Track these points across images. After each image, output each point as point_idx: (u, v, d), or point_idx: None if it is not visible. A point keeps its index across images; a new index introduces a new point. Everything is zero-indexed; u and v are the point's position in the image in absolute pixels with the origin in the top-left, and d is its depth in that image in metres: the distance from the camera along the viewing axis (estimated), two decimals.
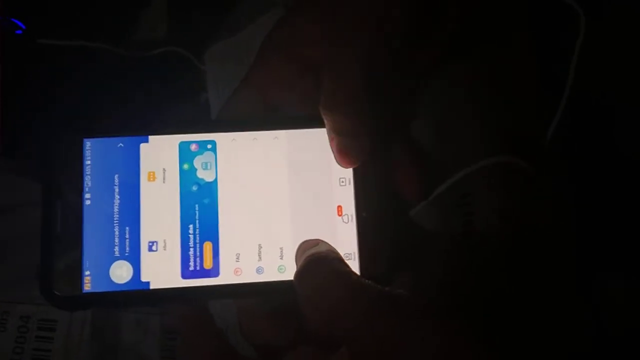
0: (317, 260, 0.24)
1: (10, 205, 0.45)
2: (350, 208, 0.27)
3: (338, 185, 0.27)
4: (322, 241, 0.26)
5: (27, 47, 0.54)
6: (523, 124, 0.35)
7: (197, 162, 0.27)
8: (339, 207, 0.27)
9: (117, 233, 0.26)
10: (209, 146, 0.27)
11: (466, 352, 0.21)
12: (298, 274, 0.24)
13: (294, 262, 0.26)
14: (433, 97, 0.32)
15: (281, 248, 0.26)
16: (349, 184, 0.27)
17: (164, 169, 0.26)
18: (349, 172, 0.27)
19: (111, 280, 0.25)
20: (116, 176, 0.26)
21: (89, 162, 0.26)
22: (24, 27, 0.51)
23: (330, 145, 0.26)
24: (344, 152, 0.26)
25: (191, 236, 0.26)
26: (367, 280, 0.23)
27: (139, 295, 0.25)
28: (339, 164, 0.27)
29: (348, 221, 0.27)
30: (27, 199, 0.46)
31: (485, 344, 0.22)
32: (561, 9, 0.36)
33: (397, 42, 0.25)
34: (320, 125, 0.27)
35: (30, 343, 0.39)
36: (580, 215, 0.35)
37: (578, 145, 0.40)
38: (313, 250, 0.25)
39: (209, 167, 0.27)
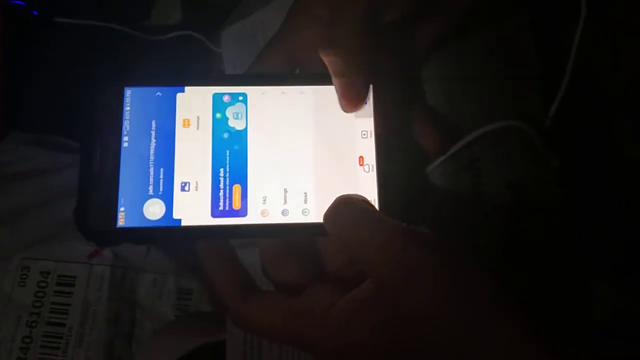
0: (345, 200, 0.26)
1: (27, 173, 0.47)
2: (371, 159, 0.28)
3: (360, 137, 0.29)
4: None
5: (44, 26, 0.56)
6: (527, 102, 0.37)
7: (229, 111, 0.28)
8: (361, 157, 0.28)
9: (151, 173, 0.27)
10: (240, 98, 0.28)
11: (482, 281, 0.23)
12: (328, 213, 0.26)
13: (317, 206, 0.28)
14: (443, 68, 0.34)
15: (305, 193, 0.28)
16: (371, 136, 0.29)
17: (198, 117, 0.28)
18: (370, 126, 0.29)
19: (144, 217, 0.27)
20: (153, 122, 0.28)
21: (128, 109, 0.28)
22: (24, 5, 0.53)
23: (335, 89, 0.28)
24: (343, 94, 0.28)
25: (222, 179, 0.27)
26: (389, 218, 0.25)
27: (170, 232, 0.27)
28: (342, 107, 0.28)
29: (369, 170, 0.28)
30: (42, 167, 0.48)
31: (496, 279, 0.23)
32: None
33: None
34: None
35: (50, 297, 0.40)
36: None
37: (576, 132, 0.42)
38: (341, 194, 0.27)
39: (239, 117, 0.28)
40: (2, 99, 0.52)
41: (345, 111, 0.28)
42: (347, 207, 0.26)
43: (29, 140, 0.50)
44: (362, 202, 0.26)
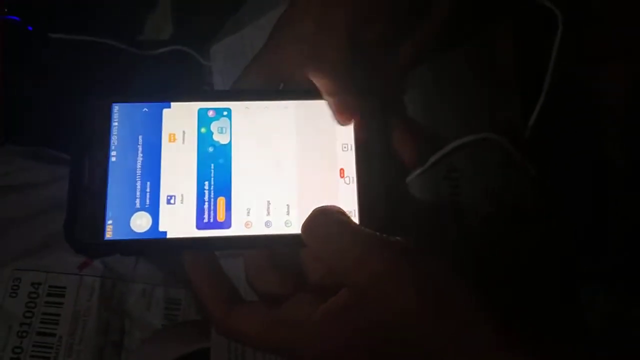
0: (321, 212, 0.27)
1: (22, 185, 0.48)
2: (351, 171, 0.29)
3: (341, 150, 0.30)
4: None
5: (38, 42, 0.57)
6: (506, 112, 0.38)
7: (214, 126, 0.29)
8: (342, 169, 0.29)
9: (138, 187, 0.28)
10: (225, 113, 0.30)
11: (459, 289, 0.24)
12: (305, 224, 0.27)
13: (300, 218, 0.29)
14: (423, 79, 0.35)
15: (288, 205, 0.29)
16: (351, 149, 0.30)
17: (183, 132, 0.29)
18: (351, 139, 0.30)
19: (131, 229, 0.27)
20: (140, 137, 0.29)
21: (116, 124, 0.29)
22: (19, 20, 0.54)
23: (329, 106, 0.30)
24: (337, 111, 0.29)
25: (206, 191, 0.28)
26: (365, 228, 0.26)
27: (157, 244, 0.28)
28: (337, 121, 0.30)
29: (350, 182, 0.29)
30: (37, 179, 0.49)
31: (474, 288, 0.24)
32: (541, 9, 0.39)
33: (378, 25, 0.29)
34: (322, 97, 0.30)
35: (40, 307, 0.41)
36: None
37: (556, 139, 0.43)
38: (319, 206, 0.28)
39: (224, 131, 0.29)
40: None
41: (341, 124, 0.30)
42: (323, 218, 0.27)
43: (24, 153, 0.51)
44: (338, 213, 0.27)
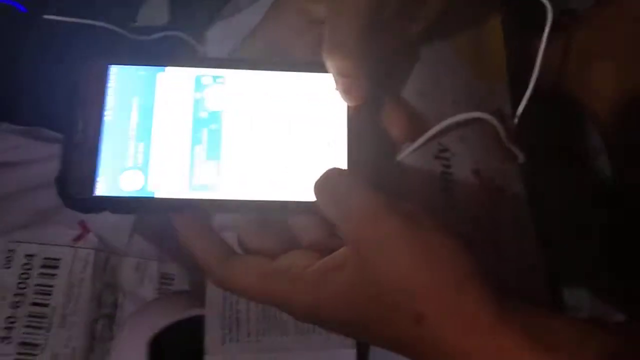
0: (336, 171, 0.28)
1: (15, 162, 0.48)
2: (342, 142, 0.30)
3: (332, 120, 0.30)
4: None
5: (32, 23, 0.57)
6: (497, 101, 0.39)
7: (208, 92, 0.30)
8: (332, 140, 0.30)
9: (130, 147, 0.28)
10: (220, 80, 0.30)
11: (456, 257, 0.25)
12: (318, 181, 0.28)
13: (290, 185, 0.29)
14: (417, 66, 0.36)
15: (279, 171, 0.29)
16: (343, 122, 0.30)
17: (177, 96, 0.29)
18: (343, 111, 0.31)
19: (121, 187, 0.28)
20: (135, 98, 0.29)
21: (111, 85, 0.29)
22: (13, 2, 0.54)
23: (336, 86, 0.30)
24: (347, 92, 0.30)
25: (198, 155, 0.29)
26: (376, 191, 0.26)
27: (146, 203, 0.28)
28: (346, 101, 0.30)
29: (340, 153, 0.30)
30: (30, 157, 0.49)
31: (470, 258, 0.25)
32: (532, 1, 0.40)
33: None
34: (320, 70, 0.30)
35: (34, 279, 0.42)
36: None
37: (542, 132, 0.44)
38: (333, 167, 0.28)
39: (217, 98, 0.30)
40: None
41: (349, 104, 0.30)
42: (336, 177, 0.27)
43: (18, 132, 0.51)
44: (353, 173, 0.28)
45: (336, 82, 0.30)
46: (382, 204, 0.25)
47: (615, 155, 0.44)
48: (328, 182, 0.27)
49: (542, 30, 0.37)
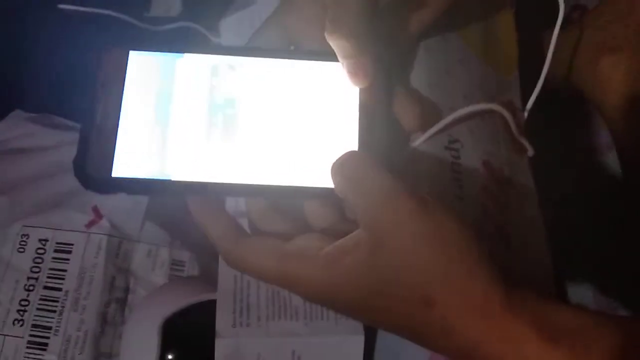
0: (355, 153, 0.28)
1: (28, 149, 0.49)
2: (354, 131, 0.30)
3: (345, 109, 0.31)
4: None
5: (47, 12, 0.58)
6: (509, 95, 0.39)
7: (224, 79, 0.30)
8: (345, 129, 0.30)
9: (148, 131, 0.29)
10: (236, 67, 0.30)
11: (467, 242, 0.25)
12: (337, 162, 0.28)
13: (304, 171, 0.29)
14: (429, 58, 0.36)
15: (291, 159, 0.29)
16: (355, 112, 0.31)
17: (195, 82, 0.30)
18: (355, 102, 0.31)
19: (138, 169, 0.28)
20: (154, 84, 0.30)
21: (131, 70, 0.30)
22: None
23: (343, 68, 0.30)
24: (352, 73, 0.30)
25: (214, 139, 0.29)
26: (394, 176, 0.27)
27: (162, 185, 0.29)
28: (352, 84, 0.30)
29: (352, 141, 0.30)
30: (43, 143, 0.50)
31: (480, 244, 0.26)
32: None
33: None
34: (334, 59, 0.31)
35: (47, 263, 0.42)
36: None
37: (551, 127, 0.44)
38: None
39: (234, 84, 0.30)
40: (6, 79, 0.54)
41: (355, 85, 0.31)
42: (356, 159, 0.28)
43: (31, 119, 0.53)
44: (371, 156, 0.28)
45: (342, 64, 0.30)
46: (399, 187, 0.26)
47: (624, 151, 0.44)
48: (346, 163, 0.28)
49: (553, 24, 0.37)
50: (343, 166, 0.28)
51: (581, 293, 0.42)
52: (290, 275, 0.27)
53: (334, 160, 0.28)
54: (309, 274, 0.26)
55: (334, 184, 0.28)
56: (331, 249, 0.27)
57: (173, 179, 0.29)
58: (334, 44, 0.29)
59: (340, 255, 0.26)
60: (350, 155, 0.28)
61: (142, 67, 0.30)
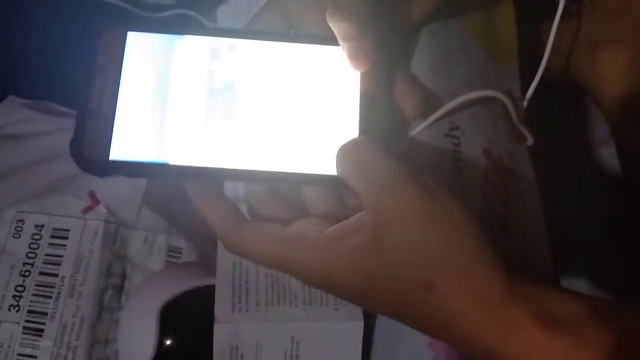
0: (363, 139, 0.29)
1: (24, 135, 0.49)
2: (355, 116, 0.30)
3: (345, 95, 0.30)
4: None
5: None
6: (509, 84, 0.39)
7: (223, 62, 0.30)
8: (345, 114, 0.30)
9: (146, 113, 0.29)
10: (235, 50, 0.30)
11: (469, 229, 0.25)
12: (343, 147, 0.28)
13: (303, 156, 0.29)
14: (427, 48, 0.36)
15: (292, 142, 0.29)
16: (356, 98, 0.31)
17: (194, 65, 0.30)
18: (356, 87, 0.31)
19: (136, 152, 0.28)
20: (152, 66, 0.29)
21: (129, 52, 0.29)
22: None
23: (343, 52, 0.30)
24: (352, 56, 0.30)
25: (212, 123, 0.29)
26: (398, 161, 0.27)
27: (159, 168, 0.28)
28: (352, 67, 0.30)
29: (352, 127, 0.30)
30: (38, 129, 0.49)
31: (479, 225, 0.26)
32: None
33: None
34: (335, 43, 0.30)
35: (43, 249, 0.42)
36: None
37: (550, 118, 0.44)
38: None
39: (233, 68, 0.30)
40: (0, 65, 0.54)
41: (355, 69, 0.30)
42: (361, 144, 0.28)
43: (26, 105, 0.52)
44: (376, 142, 0.28)
45: (342, 47, 0.30)
46: (403, 173, 0.26)
47: (622, 143, 0.44)
48: (352, 148, 0.28)
49: (551, 17, 0.37)
50: (349, 151, 0.28)
51: (577, 286, 0.42)
52: (290, 258, 0.27)
53: (340, 145, 0.28)
54: (309, 256, 0.26)
55: (339, 168, 0.28)
56: (333, 230, 0.27)
57: (171, 162, 0.28)
58: (334, 26, 0.29)
59: (343, 237, 0.26)
60: (356, 141, 0.28)
61: (140, 48, 0.29)
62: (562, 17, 0.37)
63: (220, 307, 0.35)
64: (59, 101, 0.54)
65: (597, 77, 0.44)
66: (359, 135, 0.30)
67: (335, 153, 0.28)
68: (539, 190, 0.37)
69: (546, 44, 0.37)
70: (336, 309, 0.37)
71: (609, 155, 0.46)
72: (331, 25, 0.29)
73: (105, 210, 0.43)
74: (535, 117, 0.38)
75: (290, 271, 0.27)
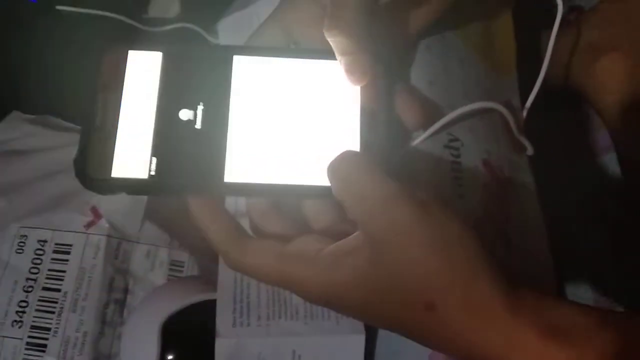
0: (351, 154, 0.28)
1: (27, 150, 0.49)
2: (355, 130, 0.30)
3: (345, 109, 0.30)
4: None
5: (45, 14, 0.58)
6: (508, 95, 0.39)
7: (221, 77, 0.30)
8: (345, 128, 0.30)
9: (147, 131, 0.29)
10: (233, 66, 0.30)
11: (468, 246, 0.25)
12: (332, 163, 0.27)
13: (301, 170, 0.29)
14: (429, 57, 0.36)
15: (289, 159, 0.29)
16: (356, 111, 0.31)
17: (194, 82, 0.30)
18: (357, 101, 0.31)
19: (137, 170, 0.28)
20: (154, 83, 0.30)
21: (131, 70, 0.30)
22: None
23: (341, 66, 0.30)
24: (350, 71, 0.30)
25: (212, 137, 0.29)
26: (391, 178, 0.26)
27: (160, 185, 0.29)
28: (350, 82, 0.30)
29: (353, 141, 0.30)
30: (42, 145, 0.50)
31: (482, 246, 0.25)
32: None
33: None
34: (332, 58, 0.30)
35: (46, 264, 0.42)
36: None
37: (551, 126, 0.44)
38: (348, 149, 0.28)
39: (234, 83, 0.30)
40: (4, 81, 0.54)
41: (352, 84, 0.30)
42: (351, 160, 0.27)
43: (31, 120, 0.53)
44: (368, 156, 0.28)
45: (339, 61, 0.30)
46: (395, 190, 0.25)
47: (622, 151, 0.44)
48: (342, 164, 0.27)
49: (550, 25, 0.37)
50: (338, 168, 0.27)
51: (580, 293, 0.42)
52: (290, 276, 0.27)
53: (330, 161, 0.28)
54: (309, 275, 0.26)
55: (331, 186, 0.28)
56: (331, 250, 0.26)
57: (171, 179, 0.28)
58: (332, 40, 0.29)
59: (341, 257, 0.26)
60: (344, 156, 0.27)
61: (141, 66, 0.30)
62: (561, 25, 0.37)
63: (222, 322, 0.35)
64: (63, 116, 0.54)
65: (596, 85, 0.44)
66: (360, 149, 0.30)
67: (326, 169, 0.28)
68: (540, 198, 0.37)
69: (545, 53, 0.37)
70: (338, 323, 0.36)
71: (609, 161, 0.45)
72: (329, 39, 0.29)
73: (107, 225, 0.43)
74: (536, 125, 0.38)
75: (290, 288, 0.27)
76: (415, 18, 0.33)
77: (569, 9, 0.49)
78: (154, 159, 0.29)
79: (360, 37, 0.29)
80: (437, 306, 0.24)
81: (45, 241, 0.43)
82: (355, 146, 0.30)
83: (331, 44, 0.29)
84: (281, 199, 0.30)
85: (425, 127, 0.33)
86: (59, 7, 0.58)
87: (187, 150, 0.29)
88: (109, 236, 0.43)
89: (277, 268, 0.27)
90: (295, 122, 0.30)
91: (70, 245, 0.42)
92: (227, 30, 0.49)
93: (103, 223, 0.43)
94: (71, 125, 0.53)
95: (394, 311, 0.26)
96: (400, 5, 0.32)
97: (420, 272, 0.25)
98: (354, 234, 0.26)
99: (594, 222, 0.44)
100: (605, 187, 0.46)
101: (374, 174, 0.26)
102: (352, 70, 0.29)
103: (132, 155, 0.28)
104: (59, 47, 0.57)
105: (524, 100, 0.38)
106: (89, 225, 0.43)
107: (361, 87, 0.31)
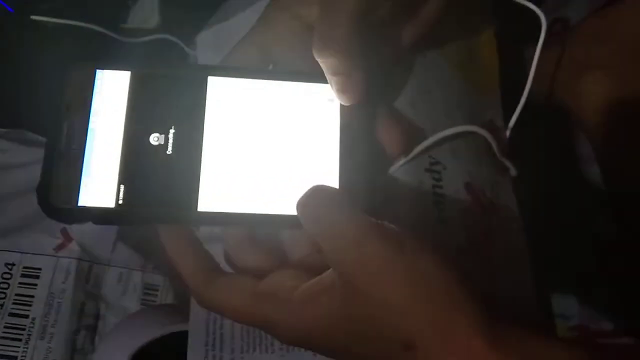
0: (319, 189, 0.26)
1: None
2: (334, 154, 0.29)
3: (323, 132, 0.30)
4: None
5: (20, 24, 0.56)
6: (490, 114, 0.38)
7: (193, 99, 0.28)
8: (323, 152, 0.29)
9: (116, 156, 0.27)
10: (205, 87, 0.29)
11: (443, 283, 0.24)
12: (302, 199, 0.26)
13: (279, 198, 0.28)
14: (410, 76, 0.35)
15: (266, 183, 0.28)
16: (336, 133, 0.30)
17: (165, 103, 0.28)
18: (336, 123, 0.30)
19: (105, 198, 0.27)
20: (123, 104, 0.28)
21: (98, 90, 0.28)
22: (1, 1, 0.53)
23: (331, 87, 0.29)
24: (341, 90, 0.29)
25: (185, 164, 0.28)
26: (362, 213, 0.25)
27: (130, 215, 0.27)
28: (340, 101, 0.29)
29: (331, 165, 0.29)
30: (12, 161, 0.48)
31: (459, 282, 0.24)
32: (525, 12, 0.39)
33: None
34: (312, 80, 0.29)
35: (14, 289, 0.41)
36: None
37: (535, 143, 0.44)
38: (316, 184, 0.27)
39: (208, 105, 0.29)
40: None
41: (344, 103, 0.29)
42: (320, 196, 0.26)
43: (3, 135, 0.50)
44: (336, 193, 0.27)
45: (330, 82, 0.29)
46: (365, 228, 0.24)
47: (606, 167, 0.43)
48: (310, 200, 0.26)
49: (535, 38, 0.37)
50: (307, 204, 0.26)
51: (565, 305, 0.41)
52: (263, 317, 0.26)
53: (300, 197, 0.27)
54: (283, 317, 0.25)
55: (302, 222, 0.26)
56: (304, 290, 0.25)
57: (141, 208, 0.27)
58: (322, 61, 0.28)
59: (314, 297, 0.25)
60: (315, 190, 0.26)
61: (110, 86, 0.28)
62: (545, 39, 0.36)
63: (193, 355, 0.34)
64: (37, 131, 0.53)
65: (580, 101, 0.44)
66: (339, 176, 0.29)
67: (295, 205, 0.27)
68: (525, 213, 0.36)
69: (529, 67, 0.36)
70: (315, 355, 0.35)
71: (593, 176, 0.45)
72: (319, 60, 0.28)
73: (78, 248, 0.42)
74: (520, 140, 0.37)
75: (263, 329, 0.26)
76: (406, 32, 0.32)
77: (553, 21, 0.48)
78: (122, 187, 0.27)
79: (353, 56, 0.28)
80: (416, 345, 0.23)
81: (13, 264, 0.41)
82: (335, 173, 0.29)
83: (321, 65, 0.28)
84: (256, 228, 0.29)
85: (406, 153, 0.32)
86: (34, 17, 0.56)
87: (157, 178, 0.27)
88: (79, 259, 0.42)
89: (250, 308, 0.26)
90: (273, 147, 0.29)
91: (39, 269, 0.41)
92: (206, 43, 0.48)
93: (74, 246, 0.42)
94: (42, 139, 0.51)
95: (372, 351, 0.24)
96: (391, 19, 0.31)
97: (395, 311, 0.23)
98: (328, 271, 0.25)
99: (578, 235, 0.43)
100: (589, 200, 0.45)
101: (343, 211, 0.25)
102: (344, 90, 0.29)
103: (99, 183, 0.27)
104: (34, 59, 0.55)
105: (507, 117, 0.37)
106: (59, 247, 0.42)
107: (340, 110, 0.30)
